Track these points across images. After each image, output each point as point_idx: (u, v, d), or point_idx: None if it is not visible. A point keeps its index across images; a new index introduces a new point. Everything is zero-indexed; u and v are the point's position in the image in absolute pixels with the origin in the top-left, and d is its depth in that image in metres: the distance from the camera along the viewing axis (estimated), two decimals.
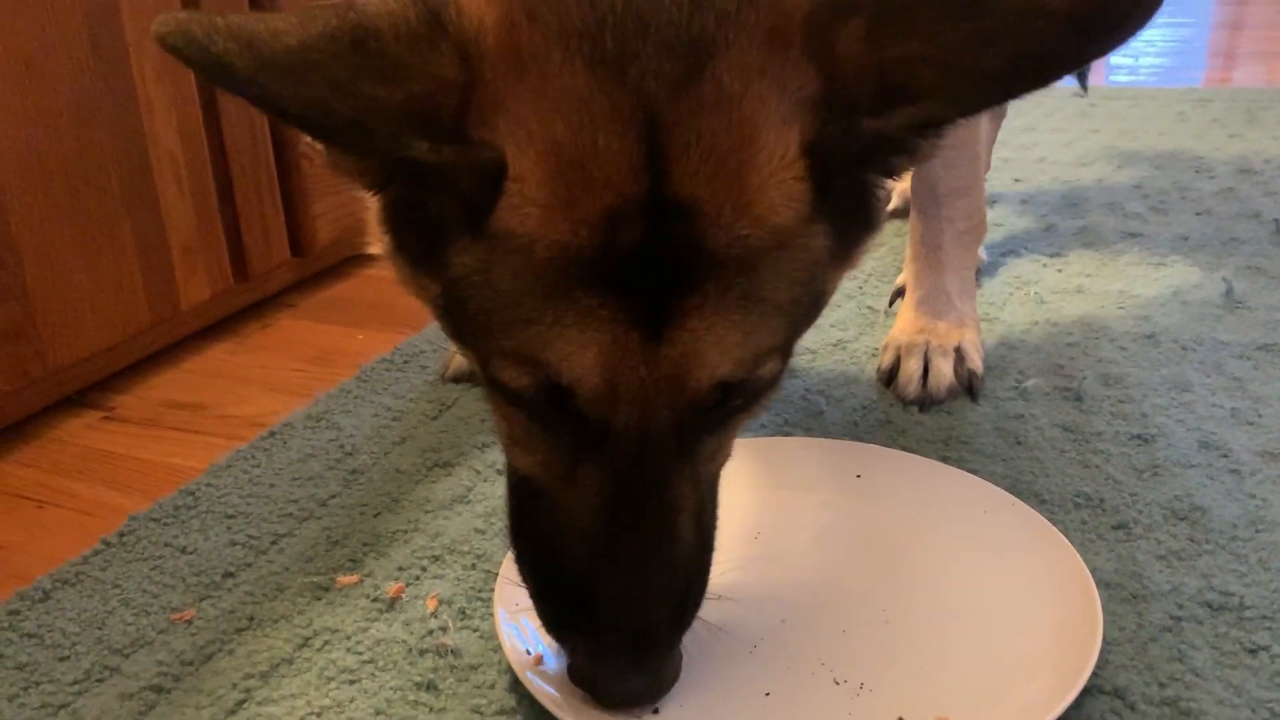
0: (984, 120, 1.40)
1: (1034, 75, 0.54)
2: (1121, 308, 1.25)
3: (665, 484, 0.62)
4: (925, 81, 0.55)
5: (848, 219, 0.63)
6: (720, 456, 0.68)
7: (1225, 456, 0.94)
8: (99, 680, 0.76)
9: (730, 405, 0.63)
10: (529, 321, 0.57)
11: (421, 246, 0.62)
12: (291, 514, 0.94)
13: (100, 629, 0.81)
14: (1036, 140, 1.93)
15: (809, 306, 0.64)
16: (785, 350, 0.64)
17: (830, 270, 0.64)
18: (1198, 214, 1.52)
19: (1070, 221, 1.53)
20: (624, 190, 0.56)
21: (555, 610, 0.65)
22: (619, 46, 0.56)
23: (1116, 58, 2.80)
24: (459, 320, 0.62)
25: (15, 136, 1.07)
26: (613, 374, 0.58)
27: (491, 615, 0.78)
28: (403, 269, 0.65)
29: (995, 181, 1.70)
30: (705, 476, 0.66)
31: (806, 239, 0.59)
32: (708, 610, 0.69)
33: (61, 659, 0.78)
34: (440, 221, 0.59)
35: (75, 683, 0.76)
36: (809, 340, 1.21)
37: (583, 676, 0.65)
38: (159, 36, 0.49)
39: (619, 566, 0.62)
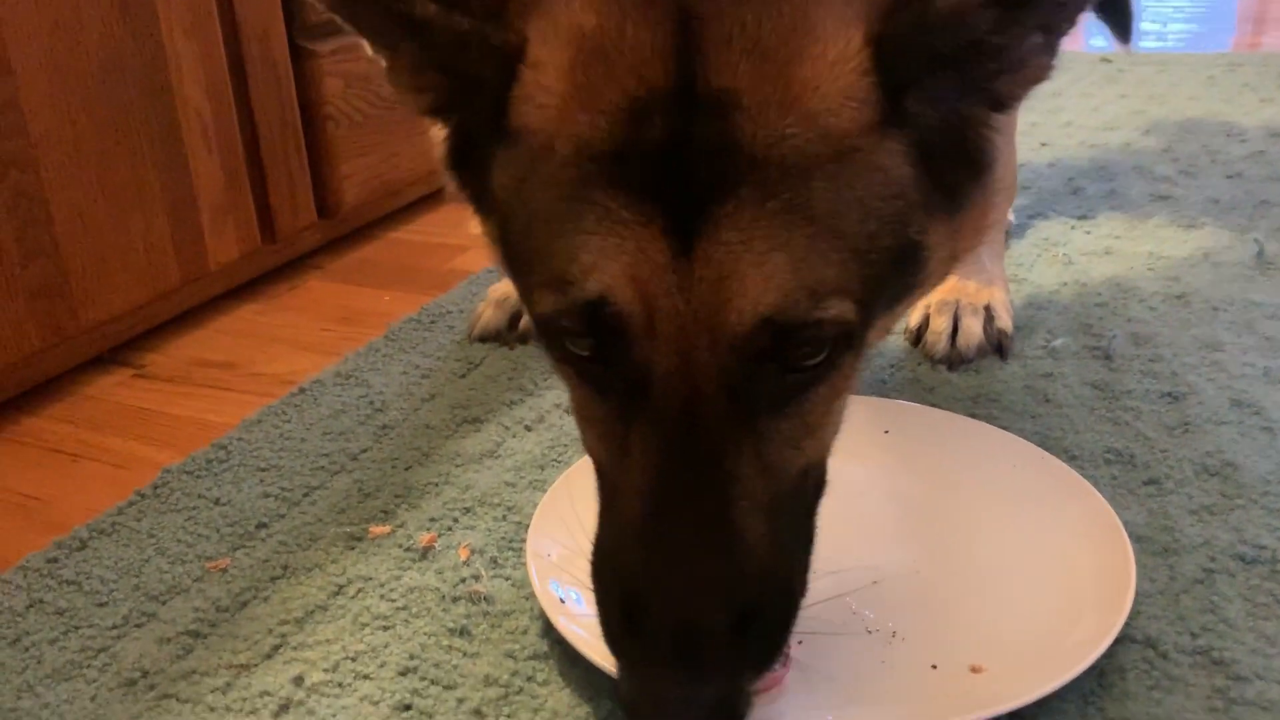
0: None
1: None
2: (1151, 269, 1.24)
3: (718, 456, 0.53)
4: None
5: (944, 155, 0.55)
6: (804, 445, 0.57)
7: (1257, 414, 0.93)
8: (137, 625, 0.77)
9: (791, 363, 0.53)
10: (556, 235, 0.53)
11: (477, 181, 0.60)
12: (323, 467, 0.95)
13: (137, 577, 0.82)
14: (1063, 105, 1.91)
15: (895, 253, 0.54)
16: (862, 300, 0.53)
17: (926, 217, 0.55)
18: (1228, 177, 1.51)
19: (1098, 185, 1.51)
20: (651, 80, 0.52)
21: (609, 619, 0.55)
22: None
23: (1145, 23, 2.77)
24: (510, 259, 0.60)
25: (46, 95, 1.08)
26: (643, 292, 0.51)
27: (523, 564, 0.78)
28: (473, 217, 0.65)
29: (1022, 147, 1.69)
30: (781, 466, 0.56)
31: (877, 155, 0.52)
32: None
33: (100, 605, 0.80)
34: (478, 137, 0.58)
35: (114, 627, 0.77)
36: None
37: (625, 695, 0.53)
38: None
39: (663, 554, 0.52)
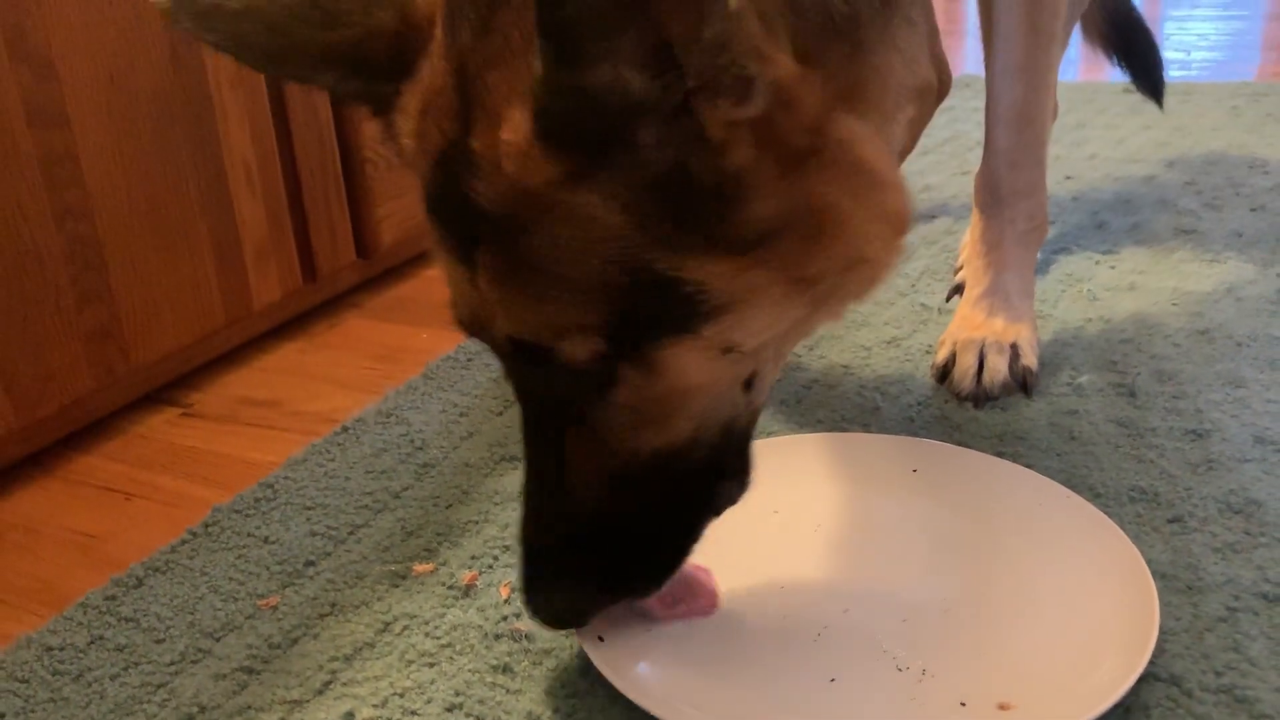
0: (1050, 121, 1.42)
1: None
2: (1175, 304, 1.25)
3: (553, 437, 0.67)
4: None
5: (676, 193, 0.57)
6: (643, 433, 0.66)
7: None
8: (193, 661, 0.81)
9: (565, 368, 0.62)
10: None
11: None
12: (367, 505, 0.98)
13: (192, 614, 0.86)
14: (1087, 137, 1.93)
15: (641, 289, 0.59)
16: (611, 333, 0.60)
17: (673, 254, 0.58)
18: (1252, 210, 1.52)
19: (1122, 219, 1.53)
20: (448, 134, 0.62)
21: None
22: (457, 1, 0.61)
23: (1170, 52, 2.78)
24: None
25: (101, 145, 1.13)
26: (461, 300, 0.65)
27: None
28: None
29: (1048, 180, 1.71)
30: (622, 448, 0.66)
31: (578, 207, 0.57)
32: (772, 602, 0.74)
33: (157, 641, 0.83)
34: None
35: (171, 664, 0.81)
36: (864, 338, 1.23)
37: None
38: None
39: (528, 507, 0.71)
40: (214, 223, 1.27)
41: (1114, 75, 1.74)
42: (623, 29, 0.52)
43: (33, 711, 0.77)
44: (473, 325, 0.66)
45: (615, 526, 0.69)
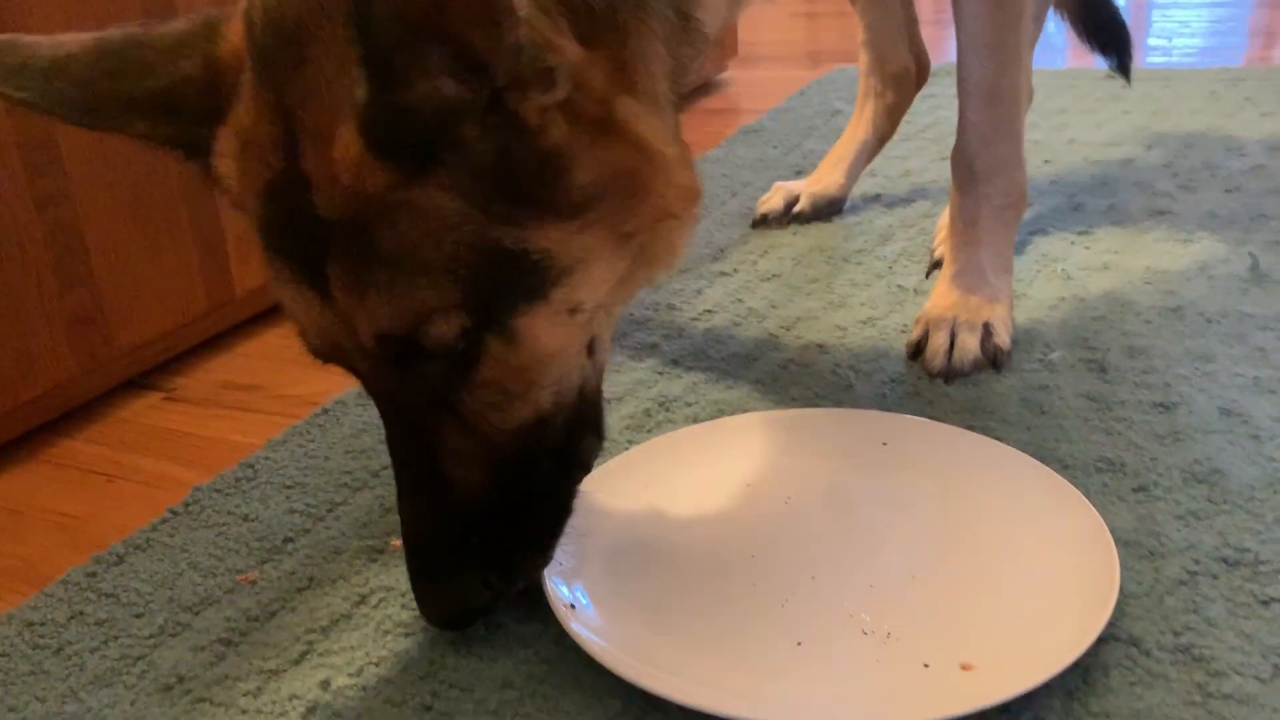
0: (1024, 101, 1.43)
1: None
2: (1148, 283, 1.27)
3: (422, 428, 0.70)
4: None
5: (507, 176, 0.64)
6: (508, 409, 0.70)
7: (1245, 422, 0.96)
8: (172, 635, 0.82)
9: (432, 354, 0.66)
10: (267, 266, 0.69)
11: None
12: (346, 484, 0.99)
13: (171, 589, 0.87)
14: (1068, 122, 1.95)
15: (493, 263, 0.64)
16: (473, 307, 0.65)
17: (516, 228, 0.64)
18: (1227, 191, 1.54)
19: (1099, 201, 1.54)
20: (274, 165, 0.65)
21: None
22: (263, 35, 0.65)
23: (1153, 39, 2.80)
24: None
25: (81, 133, 1.13)
26: (311, 327, 0.69)
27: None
28: None
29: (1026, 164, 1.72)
30: (490, 427, 0.70)
31: (418, 201, 0.62)
32: (742, 571, 0.77)
33: (137, 616, 0.84)
34: None
35: (150, 637, 0.82)
36: (840, 319, 1.24)
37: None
38: None
39: (404, 502, 0.73)
40: (196, 210, 1.27)
41: (1098, 62, 1.76)
42: (429, 49, 0.58)
43: (13, 684, 0.78)
44: (326, 348, 0.70)
45: (498, 507, 0.72)
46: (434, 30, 0.58)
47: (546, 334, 0.69)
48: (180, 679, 0.77)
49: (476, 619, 0.76)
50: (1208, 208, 1.48)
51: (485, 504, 0.71)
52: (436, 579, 0.72)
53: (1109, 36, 1.51)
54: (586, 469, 0.79)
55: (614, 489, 0.90)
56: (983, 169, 1.12)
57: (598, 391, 0.79)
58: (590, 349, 0.75)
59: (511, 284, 0.66)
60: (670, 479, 0.92)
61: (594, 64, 0.66)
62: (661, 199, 0.70)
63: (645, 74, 0.71)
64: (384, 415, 0.72)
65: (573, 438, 0.76)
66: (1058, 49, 2.53)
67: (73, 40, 0.70)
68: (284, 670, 0.77)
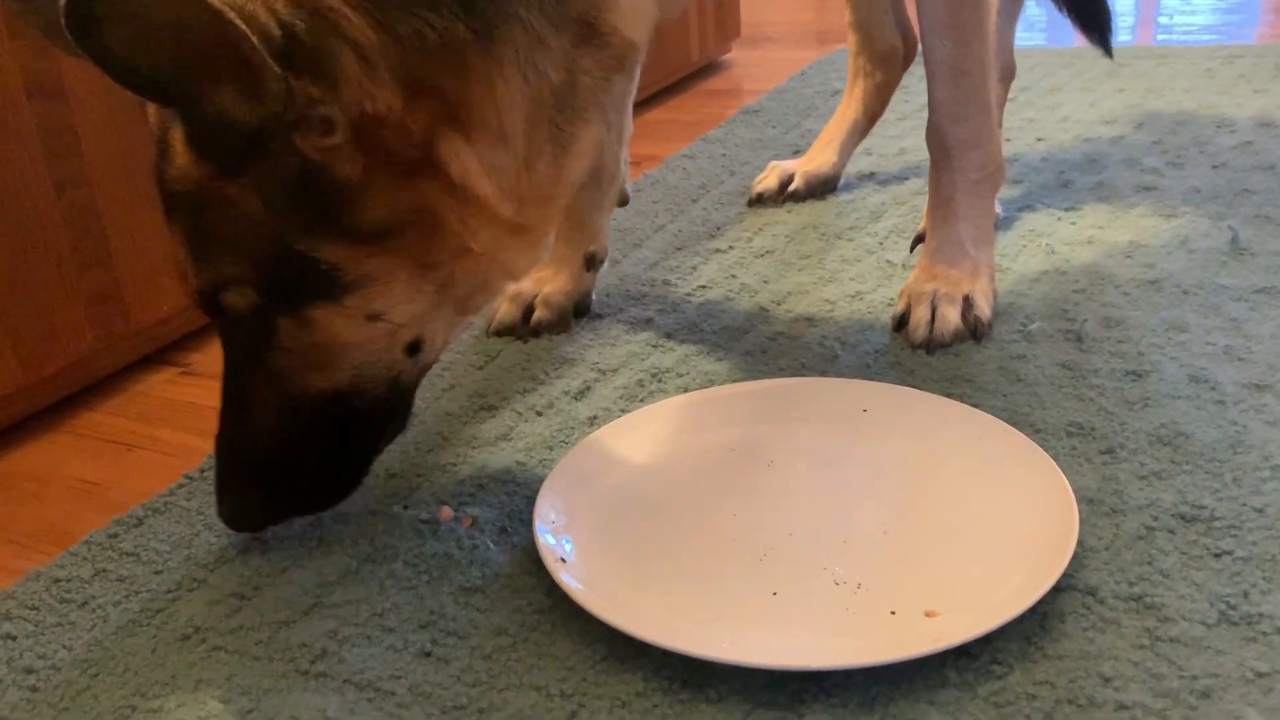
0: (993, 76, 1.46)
1: None
2: (1129, 256, 1.31)
3: (239, 371, 0.82)
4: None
5: (305, 193, 0.73)
6: (310, 376, 0.81)
7: (1213, 389, 1.00)
8: (189, 590, 0.87)
9: (240, 317, 0.78)
10: None
11: None
12: None
13: (188, 549, 0.92)
14: (1062, 100, 1.98)
15: (286, 260, 0.74)
16: (265, 288, 0.76)
17: (309, 237, 0.74)
18: (1214, 167, 1.57)
19: (1087, 177, 1.58)
20: (159, 125, 0.75)
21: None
22: None
23: (1163, 16, 2.81)
24: None
25: (98, 118, 1.18)
26: (174, 262, 0.79)
27: (530, 534, 0.87)
28: None
29: (1018, 141, 1.76)
30: (295, 388, 0.81)
31: (228, 195, 0.73)
32: (723, 527, 0.82)
33: (156, 573, 0.89)
34: None
35: (169, 591, 0.87)
36: (829, 293, 1.29)
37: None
38: None
39: (221, 413, 0.85)
40: None
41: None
42: (203, 85, 0.68)
43: (42, 634, 0.83)
44: (180, 278, 0.81)
45: (290, 450, 0.83)
46: (210, 69, 0.67)
47: (342, 329, 0.78)
48: (197, 629, 0.82)
49: (252, 529, 0.88)
50: (1193, 183, 1.52)
51: (280, 445, 0.83)
52: (225, 485, 0.84)
53: (1089, 14, 1.54)
54: (378, 451, 0.90)
55: (605, 452, 0.95)
56: (955, 145, 1.15)
57: (414, 385, 0.89)
58: (412, 348, 0.84)
59: (302, 281, 0.76)
60: (659, 444, 0.97)
61: (414, 110, 0.73)
62: (459, 238, 0.77)
63: (492, 110, 0.76)
64: (221, 342, 0.83)
65: (374, 419, 0.86)
66: (1065, 27, 2.55)
67: None
68: (294, 621, 0.82)
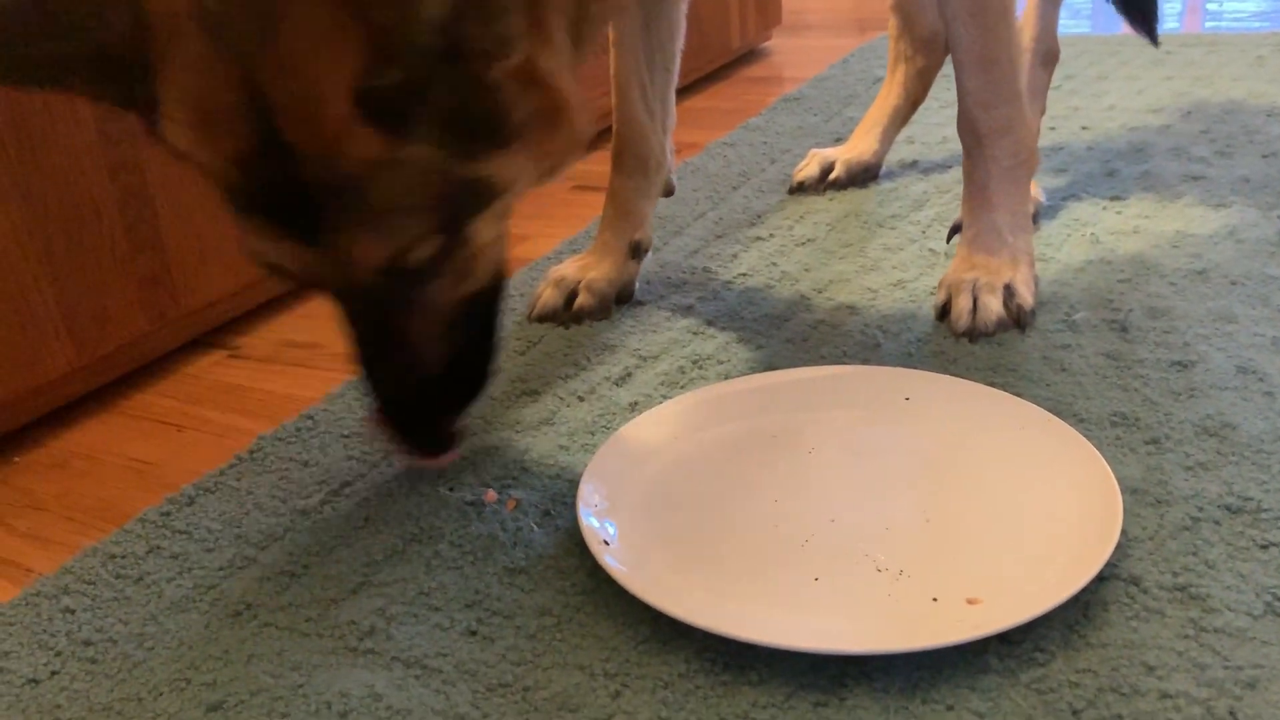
0: (1031, 61, 1.45)
1: None
2: (1176, 246, 1.29)
3: (391, 320, 0.82)
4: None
5: (467, 126, 0.75)
6: (457, 290, 0.84)
7: (1261, 380, 0.99)
8: (240, 567, 0.89)
9: (414, 273, 0.79)
10: (236, 222, 0.77)
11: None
12: None
13: (239, 527, 0.94)
14: (1108, 89, 1.96)
15: (460, 190, 0.77)
16: (447, 228, 0.79)
17: (474, 161, 0.77)
18: (1264, 156, 1.55)
19: (1133, 166, 1.56)
20: (244, 137, 0.70)
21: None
22: (220, 9, 0.68)
23: (1212, 3, 2.77)
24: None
25: None
26: (297, 267, 0.77)
27: (573, 516, 0.88)
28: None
29: (1063, 130, 1.74)
30: (445, 306, 0.84)
31: (404, 156, 0.72)
32: (765, 513, 0.83)
33: (208, 550, 0.92)
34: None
35: (221, 569, 0.89)
36: (872, 282, 1.29)
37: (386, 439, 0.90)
38: None
39: (372, 377, 0.85)
40: None
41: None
42: (427, 32, 0.68)
43: (99, 608, 0.86)
44: (306, 281, 0.81)
45: (453, 362, 0.87)
46: (433, 21, 0.67)
47: (488, 232, 0.83)
48: (248, 606, 0.84)
49: (446, 450, 0.92)
50: (1242, 173, 1.50)
51: (442, 366, 0.86)
52: (411, 423, 0.88)
53: (1135, 2, 1.52)
54: (500, 339, 0.94)
55: (647, 438, 0.96)
56: (986, 132, 1.15)
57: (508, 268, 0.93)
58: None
59: (468, 204, 0.79)
60: (700, 430, 0.98)
61: (527, 28, 0.77)
62: (572, 130, 0.83)
63: (556, 28, 0.82)
64: (351, 314, 0.83)
65: (494, 304, 0.91)
66: (1111, 14, 2.52)
67: None
68: (343, 599, 0.84)
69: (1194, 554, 0.79)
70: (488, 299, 0.89)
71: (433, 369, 0.85)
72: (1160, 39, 2.11)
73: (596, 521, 0.84)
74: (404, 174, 0.73)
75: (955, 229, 1.25)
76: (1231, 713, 0.65)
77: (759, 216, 1.53)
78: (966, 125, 1.16)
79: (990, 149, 1.15)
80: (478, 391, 0.91)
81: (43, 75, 0.72)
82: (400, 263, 0.77)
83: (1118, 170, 1.56)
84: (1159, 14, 1.56)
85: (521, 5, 0.76)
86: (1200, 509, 0.83)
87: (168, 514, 0.97)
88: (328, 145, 0.69)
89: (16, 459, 1.13)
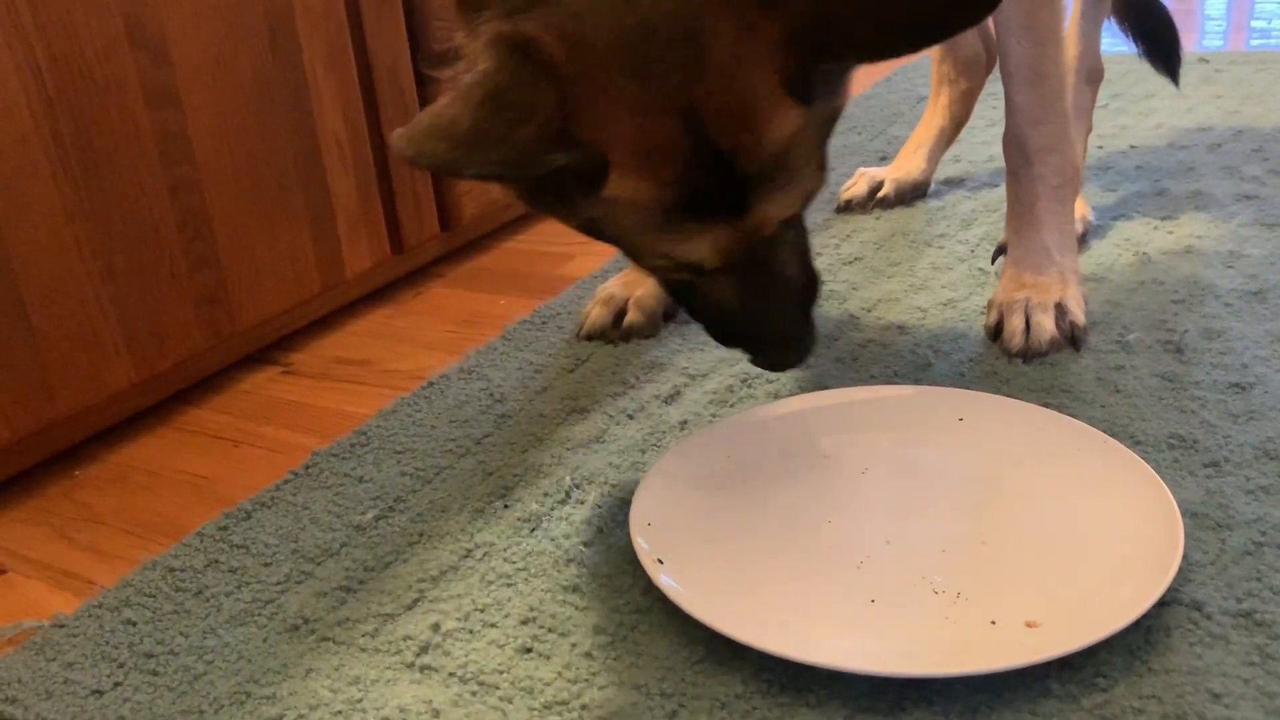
0: (1075, 80, 1.44)
1: (919, 37, 0.74)
2: (1230, 266, 1.28)
3: (768, 255, 0.85)
4: (849, 33, 0.73)
5: (834, 73, 0.80)
6: (806, 204, 0.87)
7: None
8: (298, 582, 0.90)
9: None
10: (655, 240, 0.81)
11: (554, 201, 0.82)
12: (451, 450, 1.07)
13: (295, 542, 0.95)
14: (1155, 107, 1.94)
15: (828, 130, 0.83)
16: (822, 161, 0.84)
17: (833, 100, 0.81)
18: None
19: (1184, 185, 1.55)
20: (683, 156, 0.75)
21: (735, 340, 0.92)
22: (644, 51, 0.72)
23: (1257, 20, 2.74)
24: (602, 236, 0.83)
25: (209, 125, 1.23)
26: (719, 248, 0.81)
27: (626, 534, 0.88)
28: (539, 210, 0.85)
29: (1110, 148, 1.73)
30: (799, 240, 0.89)
31: (809, 122, 0.78)
32: (819, 534, 0.83)
33: (265, 565, 0.93)
34: (568, 191, 0.78)
35: (278, 583, 0.90)
36: (921, 301, 1.28)
37: (770, 364, 0.93)
38: (397, 151, 0.68)
39: (766, 315, 0.88)
40: (309, 196, 1.37)
41: (1196, 46, 1.75)
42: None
43: (160, 621, 0.87)
44: (735, 246, 0.82)
45: (808, 284, 0.91)
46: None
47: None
48: (305, 620, 0.85)
49: (812, 347, 0.93)
50: None
51: (806, 273, 0.90)
52: (792, 340, 0.90)
53: (1158, 44, 1.52)
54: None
55: (698, 457, 0.96)
56: (1035, 149, 1.14)
57: None
58: None
59: (830, 131, 0.84)
60: (751, 450, 0.98)
61: None
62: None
63: None
64: (740, 276, 0.85)
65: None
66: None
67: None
68: (398, 614, 0.84)
69: (1258, 579, 0.78)
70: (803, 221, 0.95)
71: (800, 282, 0.90)
72: (1206, 57, 2.09)
73: (648, 541, 0.84)
74: (811, 130, 0.79)
75: (1000, 250, 1.24)
76: None
77: None
78: (1014, 142, 1.16)
79: (1038, 166, 1.14)
80: (818, 287, 0.94)
81: (518, 165, 0.74)
82: (804, 206, 0.85)
83: (1167, 189, 1.54)
84: (1180, 56, 1.55)
85: None
86: (1264, 533, 0.82)
87: (225, 528, 0.98)
88: (759, 136, 0.75)
89: (77, 473, 1.15)
